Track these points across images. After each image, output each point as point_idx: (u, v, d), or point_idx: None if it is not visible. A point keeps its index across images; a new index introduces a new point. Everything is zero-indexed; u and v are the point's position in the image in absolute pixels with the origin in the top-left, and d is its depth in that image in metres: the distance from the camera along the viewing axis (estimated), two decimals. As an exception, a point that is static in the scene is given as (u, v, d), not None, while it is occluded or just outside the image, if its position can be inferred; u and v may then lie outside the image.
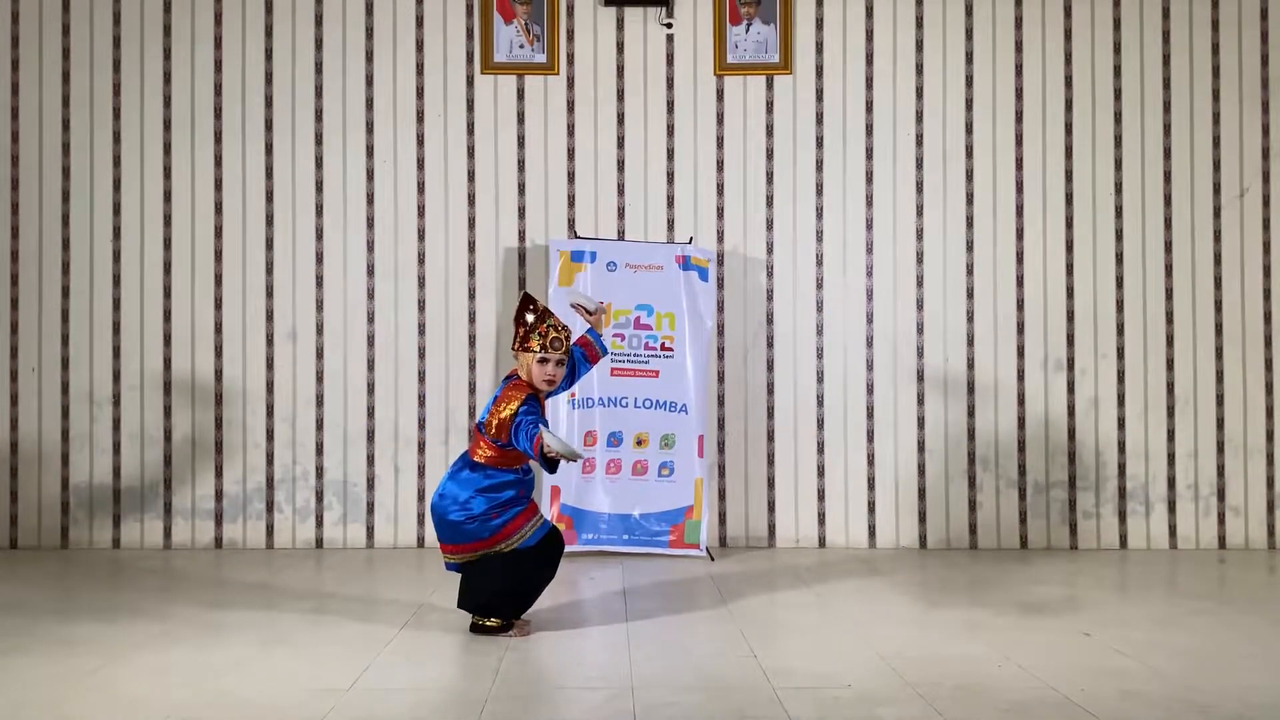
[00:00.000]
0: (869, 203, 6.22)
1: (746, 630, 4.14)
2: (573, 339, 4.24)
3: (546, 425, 3.92)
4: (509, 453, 4.01)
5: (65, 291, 6.11)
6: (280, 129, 6.16)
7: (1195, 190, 6.26)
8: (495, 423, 3.98)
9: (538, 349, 4.07)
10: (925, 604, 4.76)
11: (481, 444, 4.05)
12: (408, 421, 6.13)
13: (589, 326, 4.46)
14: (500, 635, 4.01)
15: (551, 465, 3.85)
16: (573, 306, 4.44)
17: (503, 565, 4.02)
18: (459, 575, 4.17)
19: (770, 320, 6.20)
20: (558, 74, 6.20)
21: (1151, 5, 6.27)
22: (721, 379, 6.18)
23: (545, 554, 4.08)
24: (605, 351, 4.52)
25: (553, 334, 4.10)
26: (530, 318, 4.10)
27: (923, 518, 6.18)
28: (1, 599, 4.73)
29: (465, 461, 4.11)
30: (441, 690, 3.44)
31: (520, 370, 4.14)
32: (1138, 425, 6.21)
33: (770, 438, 6.18)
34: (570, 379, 4.32)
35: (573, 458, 3.72)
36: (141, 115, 6.14)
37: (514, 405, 3.96)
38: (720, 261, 6.15)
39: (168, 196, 6.14)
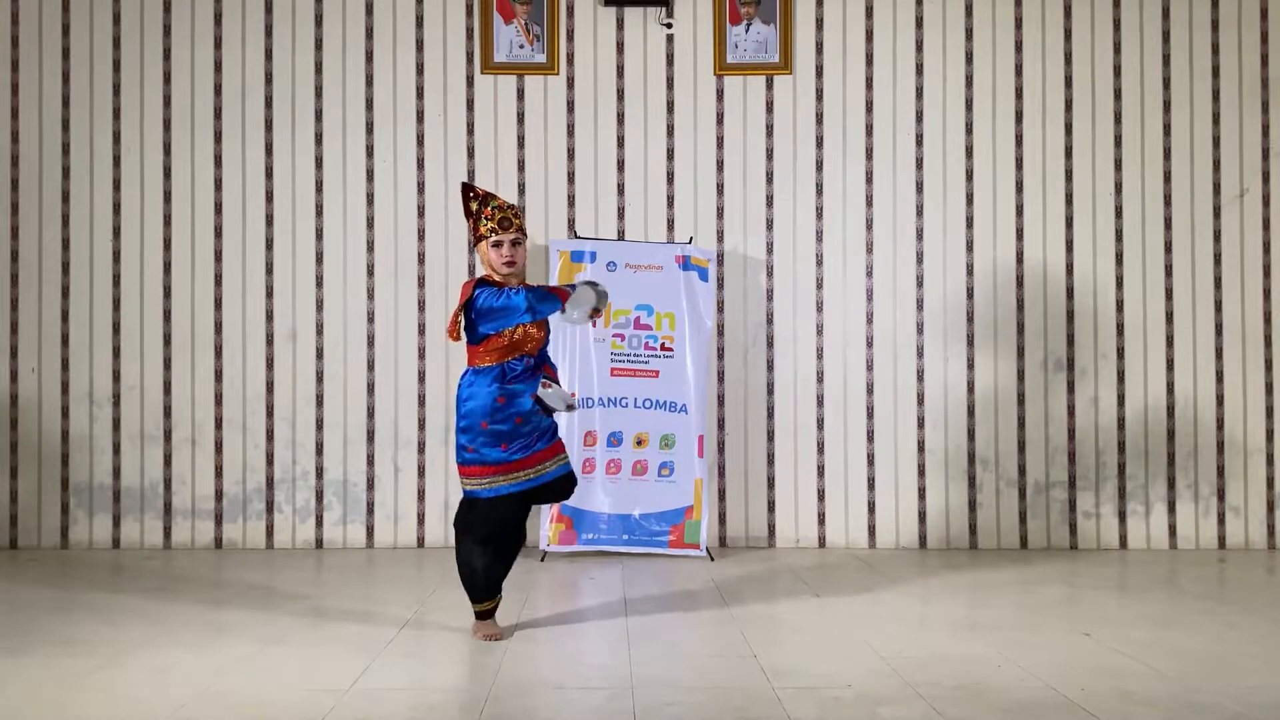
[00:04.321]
0: (869, 203, 6.22)
1: (746, 630, 4.14)
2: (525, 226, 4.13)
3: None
4: (491, 339, 3.91)
5: (65, 291, 6.11)
6: (280, 129, 6.16)
7: (1195, 190, 6.25)
8: (452, 324, 3.95)
9: (488, 232, 3.95)
10: (925, 604, 4.76)
11: (471, 351, 3.97)
12: (408, 421, 6.13)
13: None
14: (492, 642, 3.95)
15: (545, 408, 3.96)
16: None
17: (480, 508, 3.94)
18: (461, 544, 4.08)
19: (770, 320, 6.20)
20: (558, 74, 6.20)
21: (1151, 5, 6.27)
22: (721, 379, 6.18)
23: (521, 508, 3.99)
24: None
25: (499, 214, 3.96)
26: (474, 205, 4.01)
27: (923, 518, 6.18)
28: (1, 599, 4.73)
29: (470, 373, 3.99)
30: (441, 690, 3.44)
31: (483, 265, 4.06)
32: (1138, 425, 6.21)
33: (770, 438, 6.18)
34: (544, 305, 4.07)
35: (569, 407, 3.93)
36: (141, 115, 6.14)
37: (463, 300, 3.90)
38: (720, 261, 6.15)
39: (168, 197, 6.14)
